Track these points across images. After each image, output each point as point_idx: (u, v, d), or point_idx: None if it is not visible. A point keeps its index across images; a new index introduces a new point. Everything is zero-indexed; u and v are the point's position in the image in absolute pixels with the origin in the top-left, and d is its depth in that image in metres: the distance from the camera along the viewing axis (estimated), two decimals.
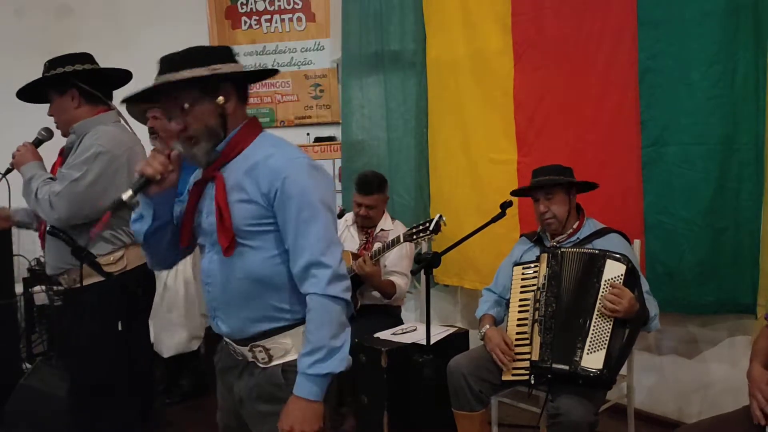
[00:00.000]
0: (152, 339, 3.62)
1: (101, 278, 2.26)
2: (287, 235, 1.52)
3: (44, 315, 4.17)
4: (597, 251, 2.48)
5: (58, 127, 2.38)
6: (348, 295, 1.53)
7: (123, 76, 2.41)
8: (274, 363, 1.59)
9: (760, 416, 1.85)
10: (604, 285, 2.38)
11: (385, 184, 3.36)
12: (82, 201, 2.19)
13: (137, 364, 2.39)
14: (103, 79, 2.35)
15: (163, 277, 3.54)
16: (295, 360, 1.53)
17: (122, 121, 2.39)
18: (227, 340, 1.68)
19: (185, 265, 3.56)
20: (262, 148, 1.57)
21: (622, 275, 2.38)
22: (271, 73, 1.70)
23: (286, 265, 1.54)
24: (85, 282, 2.23)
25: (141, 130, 2.58)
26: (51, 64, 2.27)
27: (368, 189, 3.28)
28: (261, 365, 1.60)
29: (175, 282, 3.56)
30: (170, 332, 3.57)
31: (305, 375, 1.49)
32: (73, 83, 2.27)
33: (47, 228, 2.30)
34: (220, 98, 1.53)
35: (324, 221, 1.51)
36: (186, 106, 1.52)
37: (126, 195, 1.50)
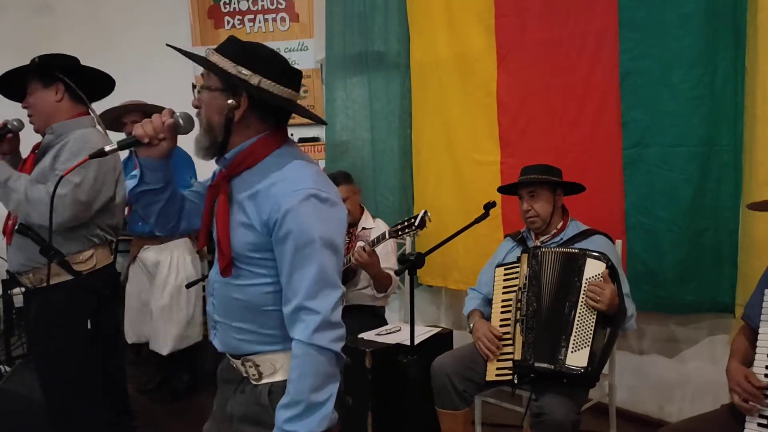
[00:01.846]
0: (149, 336, 3.63)
1: (69, 277, 2.22)
2: (282, 271, 1.42)
3: (23, 317, 4.12)
4: (577, 250, 2.50)
5: (31, 121, 2.35)
6: (338, 346, 1.40)
7: (106, 84, 2.41)
8: (263, 381, 1.51)
9: (745, 407, 1.86)
10: (585, 283, 2.41)
11: (349, 177, 3.37)
12: (84, 205, 2.21)
13: (108, 363, 2.37)
14: (88, 83, 2.35)
15: (163, 274, 3.54)
16: (284, 381, 1.43)
17: (99, 127, 2.38)
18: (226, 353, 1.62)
19: (185, 262, 3.59)
20: (270, 171, 1.45)
21: (602, 273, 2.40)
22: (291, 109, 1.53)
23: (281, 296, 1.45)
24: (53, 281, 2.21)
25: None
26: (41, 58, 2.27)
27: (334, 182, 3.28)
28: (253, 382, 1.53)
29: (176, 279, 3.55)
30: (169, 328, 3.57)
31: (281, 429, 1.38)
32: (60, 78, 2.27)
33: (16, 225, 2.25)
34: (231, 101, 1.43)
35: (321, 263, 1.38)
36: (206, 88, 1.46)
37: (109, 147, 1.48)
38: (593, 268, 2.42)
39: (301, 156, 1.52)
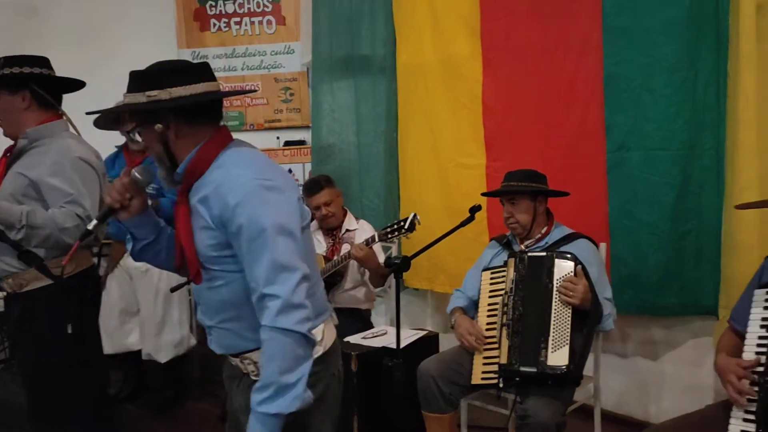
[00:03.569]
0: (142, 343, 3.55)
1: (49, 282, 2.19)
2: (244, 266, 1.46)
3: (5, 321, 4.07)
4: (545, 253, 2.53)
5: (1, 125, 2.33)
6: (303, 327, 1.41)
7: (75, 82, 2.38)
8: None
9: (737, 398, 1.86)
10: (557, 283, 2.43)
11: (331, 180, 3.38)
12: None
13: (90, 367, 2.35)
14: (56, 84, 2.32)
15: (153, 281, 3.48)
16: None
17: (72, 129, 2.37)
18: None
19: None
20: (218, 173, 1.50)
21: (571, 272, 2.43)
22: (212, 95, 1.56)
23: None
24: (33, 286, 2.20)
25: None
26: (6, 61, 2.22)
27: (315, 187, 3.31)
28: (253, 377, 1.57)
29: (167, 284, 3.43)
30: (165, 335, 3.51)
31: (255, 412, 1.41)
32: (27, 85, 2.23)
33: None
34: (158, 126, 1.49)
35: (275, 248, 1.42)
36: (136, 131, 1.56)
37: (91, 224, 1.58)
38: (562, 269, 2.45)
39: (245, 150, 1.57)
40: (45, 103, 2.28)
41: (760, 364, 1.85)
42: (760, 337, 1.88)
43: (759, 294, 1.94)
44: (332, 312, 1.70)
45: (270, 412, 1.39)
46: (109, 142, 3.64)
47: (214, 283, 1.54)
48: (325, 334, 1.61)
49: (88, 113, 1.64)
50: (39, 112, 2.28)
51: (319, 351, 1.56)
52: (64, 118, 2.34)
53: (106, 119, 2.86)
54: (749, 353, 1.89)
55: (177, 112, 1.50)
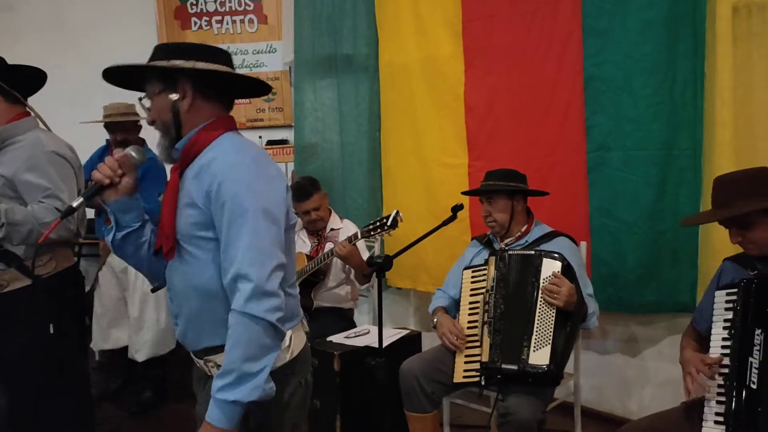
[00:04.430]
0: (122, 341, 3.58)
1: (28, 282, 2.18)
2: (221, 246, 1.43)
3: None
4: (533, 251, 2.54)
5: None
6: (273, 316, 1.38)
7: (38, 77, 2.37)
8: None
9: (692, 388, 1.93)
10: (543, 282, 2.45)
11: (317, 183, 3.39)
12: (70, 229, 2.27)
13: (72, 367, 2.33)
14: (19, 79, 2.30)
15: (131, 281, 3.49)
16: None
17: (42, 125, 2.35)
18: (190, 353, 1.62)
19: None
20: (212, 151, 1.50)
21: (558, 272, 2.45)
22: (233, 77, 1.58)
23: None
24: (13, 287, 2.17)
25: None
26: None
27: (305, 193, 3.30)
28: None
29: (145, 284, 3.46)
30: (143, 335, 3.52)
31: (214, 399, 1.39)
32: None
33: None
34: (174, 94, 1.50)
35: (256, 230, 1.40)
36: (149, 96, 1.54)
37: (76, 202, 1.51)
38: (549, 268, 2.47)
39: (243, 139, 1.57)
40: (12, 99, 2.26)
41: (724, 365, 1.90)
42: (724, 339, 1.93)
43: (719, 295, 1.98)
44: (303, 319, 1.66)
45: (228, 399, 1.37)
46: (98, 137, 3.63)
47: (186, 265, 1.50)
48: (293, 340, 1.56)
49: (109, 69, 1.53)
50: (7, 108, 2.25)
51: (286, 357, 1.53)
52: (32, 114, 2.32)
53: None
54: (715, 355, 1.94)
55: (195, 84, 1.51)
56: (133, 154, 1.54)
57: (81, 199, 1.52)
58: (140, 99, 1.58)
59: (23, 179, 2.16)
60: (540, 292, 2.44)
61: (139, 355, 3.53)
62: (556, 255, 2.49)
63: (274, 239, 1.44)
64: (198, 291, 1.50)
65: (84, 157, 2.60)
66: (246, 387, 1.37)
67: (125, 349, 3.65)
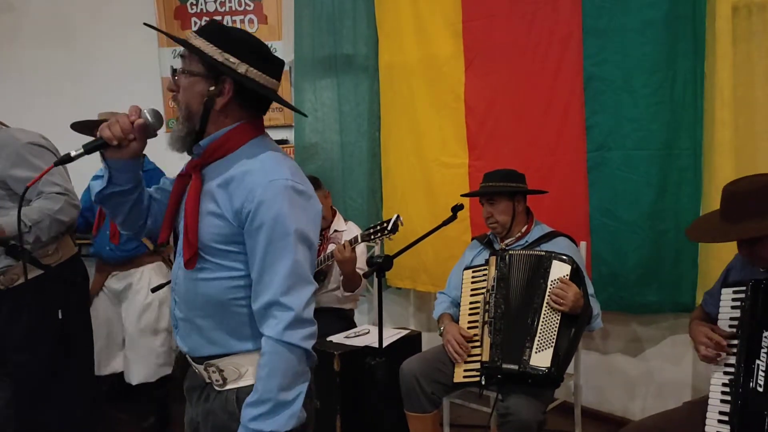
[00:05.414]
0: (122, 365, 3.33)
1: (37, 272, 2.29)
2: (253, 265, 1.36)
3: None
4: (544, 252, 2.53)
5: None
6: (309, 344, 1.36)
7: None
8: (228, 387, 1.45)
9: (708, 354, 1.93)
10: (551, 285, 2.44)
11: (320, 183, 3.36)
12: (77, 205, 2.40)
13: (78, 348, 2.45)
14: None
15: (139, 300, 3.25)
16: (251, 386, 1.38)
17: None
18: (188, 356, 1.54)
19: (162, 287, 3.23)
20: (245, 159, 1.40)
21: (567, 275, 2.44)
22: (277, 101, 1.46)
23: (250, 291, 1.39)
24: (22, 279, 2.27)
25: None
26: None
27: None
28: (216, 388, 1.47)
29: (151, 303, 3.27)
30: (140, 357, 3.27)
31: (246, 428, 1.33)
32: None
33: None
34: (213, 88, 1.39)
35: (295, 257, 1.34)
36: (185, 73, 1.41)
37: (75, 152, 1.40)
38: (559, 270, 2.46)
39: (276, 148, 1.48)
40: None
41: (729, 364, 1.89)
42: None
43: (726, 293, 1.98)
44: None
45: (264, 430, 1.32)
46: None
47: (202, 274, 1.41)
48: None
49: (146, 26, 1.46)
50: None
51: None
52: None
53: (87, 127, 2.89)
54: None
55: (238, 89, 1.40)
56: (150, 119, 1.43)
57: (81, 150, 1.40)
58: (175, 71, 1.45)
59: (13, 175, 2.23)
60: (547, 294, 2.43)
61: (132, 378, 3.27)
62: (566, 257, 2.48)
63: (309, 265, 1.39)
64: (208, 300, 1.43)
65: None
66: (283, 416, 1.33)
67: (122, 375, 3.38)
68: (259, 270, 1.35)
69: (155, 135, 1.48)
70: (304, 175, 1.46)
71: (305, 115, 1.85)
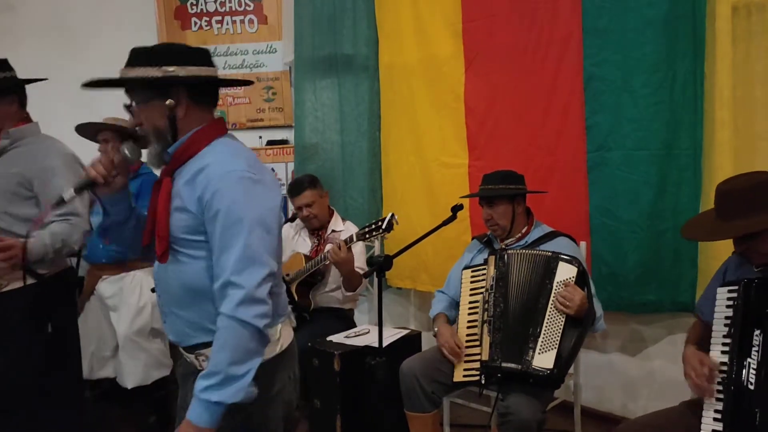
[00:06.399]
0: (114, 369, 3.25)
1: (30, 281, 2.27)
2: (213, 251, 1.47)
3: None
4: (550, 253, 2.53)
5: None
6: (261, 322, 1.43)
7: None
8: None
9: (701, 388, 1.92)
10: (557, 286, 2.44)
11: (316, 181, 3.37)
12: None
13: (70, 364, 2.44)
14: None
15: (133, 303, 3.21)
16: None
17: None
18: (179, 346, 1.66)
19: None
20: (206, 157, 1.52)
21: (573, 277, 2.44)
22: (228, 82, 1.64)
23: None
24: (12, 286, 2.26)
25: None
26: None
27: (298, 188, 3.31)
28: None
29: (144, 306, 3.22)
30: (133, 361, 3.20)
31: (197, 398, 1.42)
32: (15, 89, 2.39)
33: None
34: (170, 101, 1.50)
35: (249, 239, 1.43)
36: (138, 103, 1.54)
37: (67, 194, 1.54)
38: (565, 272, 2.46)
39: (237, 145, 1.60)
40: (23, 104, 2.43)
41: (723, 363, 1.89)
42: (725, 336, 1.93)
43: (721, 292, 1.98)
44: (291, 315, 1.70)
45: (212, 400, 1.40)
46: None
47: (177, 265, 1.54)
48: (282, 333, 1.61)
49: (84, 85, 1.56)
50: (19, 112, 2.41)
51: (276, 349, 1.58)
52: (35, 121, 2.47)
53: (90, 132, 2.92)
54: (715, 351, 1.94)
55: (190, 90, 1.53)
56: (128, 154, 1.56)
57: (72, 192, 1.55)
58: (128, 107, 1.58)
59: (51, 182, 2.26)
60: (552, 295, 2.43)
61: (127, 381, 3.18)
62: (571, 258, 2.47)
63: (267, 248, 1.48)
64: (189, 289, 1.54)
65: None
66: (230, 389, 1.41)
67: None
68: (217, 253, 1.46)
69: (137, 160, 1.61)
70: (263, 167, 1.57)
71: (250, 83, 1.94)
